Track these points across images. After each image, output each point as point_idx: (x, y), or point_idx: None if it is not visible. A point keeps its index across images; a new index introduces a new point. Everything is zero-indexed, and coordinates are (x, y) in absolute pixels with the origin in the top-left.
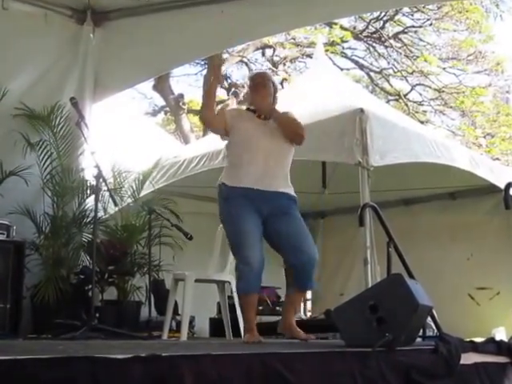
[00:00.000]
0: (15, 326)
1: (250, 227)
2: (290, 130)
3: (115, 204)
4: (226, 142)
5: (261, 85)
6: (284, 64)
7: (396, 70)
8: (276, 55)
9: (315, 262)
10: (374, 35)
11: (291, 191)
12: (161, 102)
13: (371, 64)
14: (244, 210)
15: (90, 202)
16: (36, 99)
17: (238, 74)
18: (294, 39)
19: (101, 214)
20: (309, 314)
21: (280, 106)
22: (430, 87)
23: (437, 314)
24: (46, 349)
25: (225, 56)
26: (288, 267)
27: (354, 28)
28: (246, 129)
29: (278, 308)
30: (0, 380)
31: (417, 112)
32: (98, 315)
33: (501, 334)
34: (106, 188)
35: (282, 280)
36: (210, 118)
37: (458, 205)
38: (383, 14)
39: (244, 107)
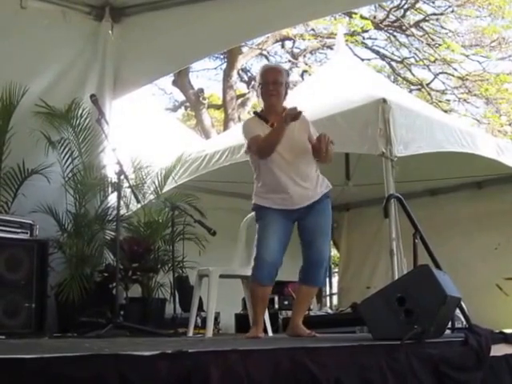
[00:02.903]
0: (40, 324)
1: (274, 226)
2: (327, 158)
3: (137, 201)
4: (249, 156)
5: (272, 85)
6: (304, 56)
7: (418, 59)
8: (296, 47)
9: (323, 262)
10: (395, 24)
11: (320, 191)
12: (181, 97)
13: (392, 53)
14: (271, 216)
15: (112, 199)
16: (56, 97)
17: (257, 66)
18: (314, 30)
19: (123, 210)
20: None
21: (302, 98)
22: (452, 75)
23: (465, 305)
24: (72, 347)
25: (244, 49)
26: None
27: (374, 17)
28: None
29: None
30: (28, 378)
31: (440, 101)
32: (122, 313)
33: None
34: (128, 185)
35: None
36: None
37: (484, 194)
38: (404, 2)
39: (254, 114)
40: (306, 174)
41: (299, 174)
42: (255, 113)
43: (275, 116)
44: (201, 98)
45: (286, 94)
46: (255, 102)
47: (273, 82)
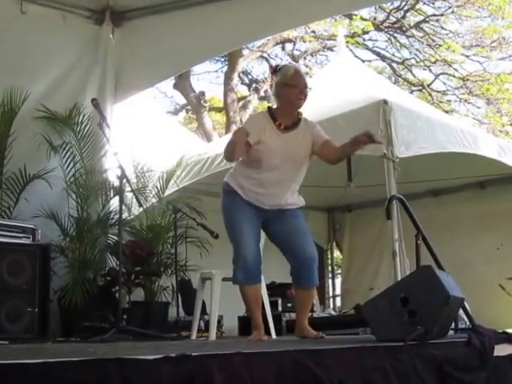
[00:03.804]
0: (43, 329)
1: (246, 223)
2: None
3: (139, 204)
4: None
5: (304, 89)
6: (305, 58)
7: (418, 60)
8: (296, 49)
9: (313, 259)
10: (395, 25)
11: (296, 204)
12: (182, 100)
13: (393, 55)
14: (243, 208)
15: (114, 203)
16: (58, 101)
17: (258, 69)
18: (314, 32)
19: (125, 214)
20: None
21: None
22: (453, 76)
23: (468, 305)
24: (75, 351)
25: (245, 52)
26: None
27: (375, 19)
28: (262, 151)
29: None
30: (31, 383)
31: (441, 102)
32: (125, 317)
33: None
34: (129, 188)
35: None
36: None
37: (487, 194)
38: (404, 3)
39: (268, 109)
40: (287, 189)
41: (281, 187)
42: (269, 108)
43: (286, 117)
44: (202, 101)
45: None
46: (256, 104)
47: (305, 86)
